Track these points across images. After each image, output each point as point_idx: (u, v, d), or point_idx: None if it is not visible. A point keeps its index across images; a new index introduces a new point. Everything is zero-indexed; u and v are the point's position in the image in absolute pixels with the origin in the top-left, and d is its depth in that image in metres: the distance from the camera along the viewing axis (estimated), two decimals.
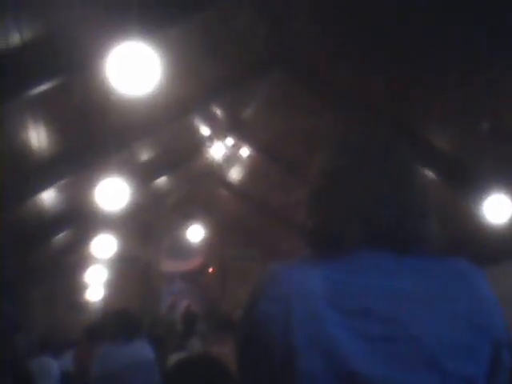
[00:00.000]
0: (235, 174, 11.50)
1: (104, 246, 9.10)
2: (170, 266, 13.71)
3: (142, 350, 3.76)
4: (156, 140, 7.60)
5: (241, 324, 1.21)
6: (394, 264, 1.10)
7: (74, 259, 11.47)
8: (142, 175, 8.22)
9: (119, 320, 3.87)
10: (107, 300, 11.91)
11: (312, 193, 1.25)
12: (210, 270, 14.09)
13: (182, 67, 5.50)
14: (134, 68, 4.02)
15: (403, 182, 1.16)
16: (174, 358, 4.91)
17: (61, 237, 8.75)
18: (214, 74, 6.41)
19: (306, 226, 1.22)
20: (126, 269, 12.81)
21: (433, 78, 5.49)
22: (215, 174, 11.58)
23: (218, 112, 8.62)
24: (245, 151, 9.73)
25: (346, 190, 1.16)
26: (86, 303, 11.59)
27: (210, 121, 8.76)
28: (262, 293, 1.13)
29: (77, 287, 11.63)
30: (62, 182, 6.51)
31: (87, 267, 11.34)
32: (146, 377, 3.61)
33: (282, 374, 1.06)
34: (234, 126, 9.25)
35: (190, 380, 1.31)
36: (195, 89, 6.42)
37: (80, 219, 8.25)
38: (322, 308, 1.06)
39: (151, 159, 8.45)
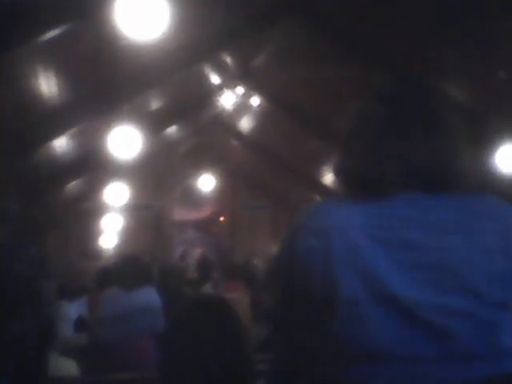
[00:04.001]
0: (245, 124, 11.46)
1: (117, 194, 9.21)
2: (181, 214, 13.86)
3: (150, 296, 3.81)
4: (166, 88, 7.55)
5: (279, 259, 1.26)
6: (430, 200, 1.15)
7: (86, 207, 11.62)
8: (153, 124, 8.21)
9: (128, 266, 3.93)
10: (120, 247, 12.11)
11: (348, 135, 1.28)
12: (221, 219, 14.23)
13: (193, 13, 5.41)
14: (143, 13, 3.98)
15: (437, 126, 1.20)
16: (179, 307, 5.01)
17: (73, 185, 8.84)
18: (226, 21, 6.30)
19: (341, 166, 1.27)
20: (138, 217, 12.97)
21: (447, 26, 5.37)
22: (225, 123, 11.53)
23: (229, 60, 8.52)
24: (255, 100, 9.65)
25: (383, 133, 1.19)
26: (100, 250, 11.79)
27: (221, 69, 8.66)
28: (302, 228, 1.18)
29: (90, 235, 11.81)
30: (74, 129, 6.53)
31: (100, 215, 11.48)
32: (150, 323, 3.67)
33: (324, 304, 1.11)
34: (244, 75, 9.15)
35: (198, 318, 1.33)
36: (206, 36, 6.33)
37: (92, 167, 8.31)
38: (361, 239, 1.11)
39: (162, 108, 8.42)
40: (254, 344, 3.51)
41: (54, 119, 6.05)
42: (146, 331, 3.59)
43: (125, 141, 6.14)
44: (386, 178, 1.16)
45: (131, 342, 3.48)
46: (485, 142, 6.11)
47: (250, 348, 1.32)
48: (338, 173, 1.27)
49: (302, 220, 1.20)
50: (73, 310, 6.18)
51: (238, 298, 4.82)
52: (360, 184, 1.19)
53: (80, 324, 6.19)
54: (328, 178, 11.01)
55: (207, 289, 6.63)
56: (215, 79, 9.00)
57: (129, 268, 3.87)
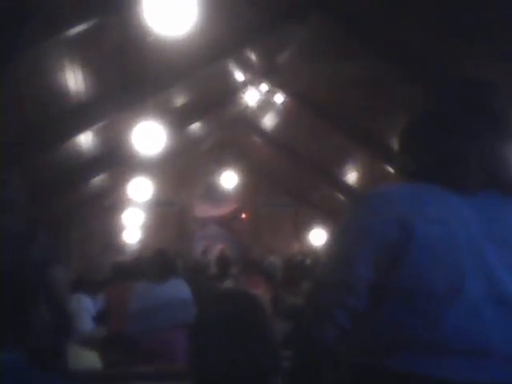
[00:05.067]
0: (269, 121, 11.45)
1: (140, 190, 9.28)
2: (203, 211, 13.93)
3: (179, 288, 3.84)
4: (191, 84, 7.58)
5: (337, 248, 1.25)
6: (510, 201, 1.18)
7: (110, 202, 11.74)
8: (177, 120, 8.24)
9: (157, 259, 3.97)
10: (143, 242, 12.22)
11: (414, 132, 1.29)
12: (243, 215, 14.27)
13: (219, 9, 5.41)
14: (170, 9, 4.00)
15: (503, 130, 1.21)
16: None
17: (98, 179, 8.93)
18: (251, 18, 6.29)
19: (403, 162, 1.28)
20: (161, 212, 13.07)
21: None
22: (249, 120, 11.54)
23: (254, 57, 8.51)
24: (279, 97, 9.63)
25: (460, 133, 1.20)
26: (123, 245, 11.91)
27: (245, 66, 8.66)
28: (374, 213, 1.17)
29: (113, 229, 11.94)
30: (99, 124, 6.58)
31: (123, 210, 11.59)
32: (181, 314, 3.69)
33: (441, 294, 1.10)
34: (269, 72, 9.14)
35: (225, 310, 1.34)
36: (231, 32, 6.33)
37: (116, 162, 8.37)
38: (477, 233, 1.12)
39: (186, 104, 8.45)
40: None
41: (79, 114, 6.10)
42: (176, 322, 3.62)
43: (149, 136, 6.18)
44: (471, 176, 1.17)
45: (161, 334, 3.51)
46: None
47: (277, 341, 1.32)
48: (412, 171, 1.26)
49: (371, 206, 1.18)
50: (94, 303, 6.26)
51: (260, 294, 4.82)
52: (443, 182, 1.18)
53: (101, 317, 6.26)
54: (351, 176, 10.95)
55: (227, 284, 6.66)
56: (239, 76, 9.01)
57: (157, 261, 3.91)
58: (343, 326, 1.20)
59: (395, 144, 8.24)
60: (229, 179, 13.07)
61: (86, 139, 7.11)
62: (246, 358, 1.23)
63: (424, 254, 1.11)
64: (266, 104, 10.11)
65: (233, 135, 12.32)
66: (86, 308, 6.01)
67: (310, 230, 13.43)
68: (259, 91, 9.56)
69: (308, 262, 9.96)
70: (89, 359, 3.11)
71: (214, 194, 13.85)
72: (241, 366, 1.22)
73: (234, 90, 9.39)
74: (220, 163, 13.21)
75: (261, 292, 5.01)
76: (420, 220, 1.12)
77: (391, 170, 8.76)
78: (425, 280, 1.11)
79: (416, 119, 1.29)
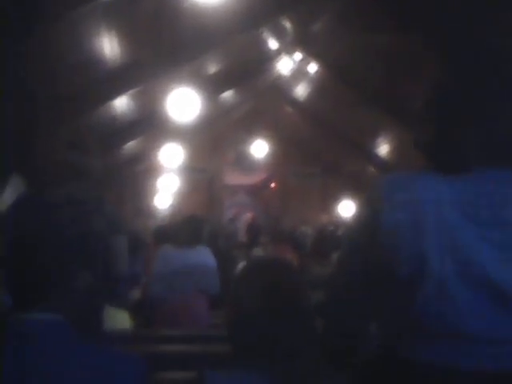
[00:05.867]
0: (301, 91, 11.36)
1: (172, 156, 9.38)
2: (233, 179, 13.97)
3: (205, 255, 3.88)
4: (225, 52, 7.56)
5: (357, 232, 1.26)
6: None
7: (142, 167, 11.88)
8: (211, 87, 8.25)
9: (186, 225, 4.00)
10: (174, 208, 12.37)
11: (429, 110, 1.28)
12: (273, 185, 14.28)
13: None
14: None
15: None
16: (240, 267, 5.09)
17: (131, 144, 9.04)
18: None
19: (423, 139, 1.26)
20: (192, 179, 13.17)
21: None
22: (281, 89, 11.46)
23: (288, 25, 8.43)
24: (313, 67, 9.53)
25: (464, 109, 1.18)
26: (154, 210, 12.06)
27: (280, 34, 8.58)
28: (386, 200, 1.15)
29: (145, 194, 12.10)
30: (133, 90, 6.64)
31: (156, 175, 11.72)
32: (203, 281, 3.73)
33: (411, 279, 1.10)
34: (303, 41, 9.03)
35: (261, 277, 1.32)
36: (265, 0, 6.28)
37: (150, 128, 8.45)
38: (452, 214, 1.09)
39: (219, 71, 8.44)
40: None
41: (114, 79, 6.16)
42: (197, 289, 3.68)
43: (183, 103, 6.22)
44: (471, 152, 1.15)
45: (184, 298, 3.59)
46: None
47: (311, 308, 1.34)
48: (418, 146, 1.26)
49: (384, 192, 1.17)
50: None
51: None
52: (444, 158, 1.18)
53: (134, 279, 6.42)
54: (383, 149, 10.84)
55: (256, 252, 6.73)
56: (273, 44, 8.93)
57: (186, 227, 3.94)
58: (359, 318, 1.26)
59: None
60: (259, 148, 13.07)
61: (120, 104, 7.19)
62: (283, 328, 1.24)
63: (388, 239, 1.12)
64: (298, 73, 10.02)
65: (265, 104, 12.26)
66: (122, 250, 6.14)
67: (338, 202, 13.40)
68: (293, 60, 9.47)
69: (339, 232, 9.96)
70: (121, 320, 3.19)
71: (244, 162, 13.87)
72: (278, 336, 1.23)
73: (268, 58, 9.32)
74: (251, 132, 13.20)
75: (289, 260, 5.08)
76: (387, 207, 1.13)
77: None
78: (391, 265, 1.11)
79: (430, 94, 1.29)
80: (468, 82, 1.20)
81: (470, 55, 1.26)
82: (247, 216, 13.05)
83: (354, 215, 1.33)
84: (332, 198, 13.57)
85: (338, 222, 12.07)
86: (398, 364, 1.13)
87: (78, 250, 1.14)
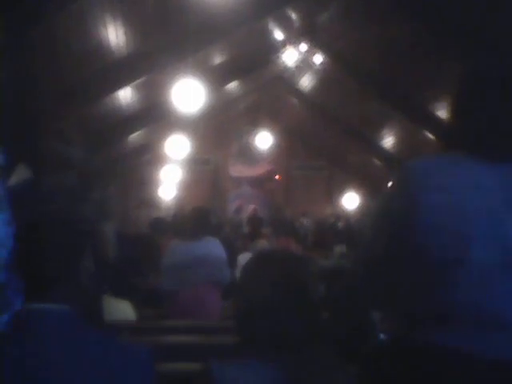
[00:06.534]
0: (306, 82, 11.31)
1: (177, 147, 9.36)
2: (237, 170, 13.98)
3: (214, 246, 3.87)
4: (230, 43, 7.53)
5: (384, 215, 1.22)
6: None
7: (148, 157, 11.88)
8: (216, 78, 8.22)
9: (193, 217, 3.99)
10: (178, 199, 12.38)
11: (466, 99, 1.26)
12: (277, 177, 14.27)
13: None
14: None
15: None
16: (242, 258, 5.09)
17: (136, 135, 9.04)
18: None
19: (452, 129, 1.25)
20: (196, 170, 13.18)
21: None
22: (286, 80, 11.42)
23: (294, 16, 8.38)
24: (318, 58, 9.47)
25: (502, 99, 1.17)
26: (158, 200, 12.07)
27: (285, 24, 8.54)
28: (422, 182, 1.14)
29: (150, 185, 12.10)
30: (139, 80, 6.63)
31: (160, 166, 11.72)
32: (213, 272, 3.73)
33: (448, 264, 1.08)
34: (308, 32, 8.99)
35: (270, 270, 1.32)
36: None
37: (155, 118, 8.45)
38: (495, 200, 1.09)
39: (225, 62, 8.42)
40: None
41: (119, 69, 6.15)
42: (209, 279, 3.68)
43: (188, 94, 6.20)
44: (505, 141, 1.14)
45: (194, 290, 3.59)
46: None
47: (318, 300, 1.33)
48: (455, 135, 1.25)
49: (421, 175, 1.15)
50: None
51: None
52: (478, 146, 1.16)
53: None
54: (388, 141, 10.81)
55: (260, 244, 6.73)
56: (279, 35, 8.89)
57: (193, 219, 3.93)
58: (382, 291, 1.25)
59: (433, 109, 8.10)
60: (264, 140, 13.04)
61: (126, 95, 7.19)
62: (291, 320, 1.24)
63: (425, 223, 1.10)
64: (304, 64, 9.96)
65: (270, 95, 12.23)
66: None
67: (343, 194, 13.39)
68: (298, 51, 9.42)
69: (340, 225, 9.98)
70: (123, 310, 3.17)
71: (248, 154, 13.87)
72: (286, 328, 1.23)
73: (273, 49, 9.27)
74: (255, 124, 13.18)
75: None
76: (423, 190, 1.12)
77: (428, 135, 8.63)
78: (428, 250, 1.09)
79: (465, 86, 1.27)
80: (502, 69, 1.20)
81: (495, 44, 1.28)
82: (250, 208, 13.06)
83: (380, 198, 1.30)
84: (336, 190, 13.56)
85: (340, 215, 12.08)
86: (423, 352, 1.10)
87: (72, 239, 1.14)
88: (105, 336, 1.12)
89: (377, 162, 11.60)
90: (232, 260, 4.89)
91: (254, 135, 13.24)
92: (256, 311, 1.27)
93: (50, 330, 1.06)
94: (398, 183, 1.21)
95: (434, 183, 1.12)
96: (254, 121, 13.20)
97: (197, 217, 3.93)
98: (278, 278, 1.29)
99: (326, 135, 12.25)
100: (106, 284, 2.97)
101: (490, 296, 1.05)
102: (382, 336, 1.60)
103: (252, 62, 9.10)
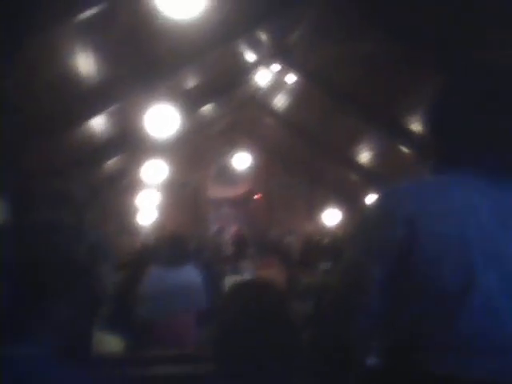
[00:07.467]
0: (281, 101, 11.40)
1: (154, 172, 9.34)
2: (217, 192, 13.96)
3: (191, 274, 3.87)
4: (202, 67, 7.56)
5: (381, 247, 1.17)
6: None
7: (125, 184, 11.80)
8: (190, 102, 8.24)
9: (171, 245, 3.97)
10: (157, 223, 12.30)
11: (442, 116, 1.24)
12: (256, 196, 14.28)
13: None
14: None
15: None
16: (229, 280, 5.06)
17: (112, 162, 8.98)
18: None
19: (431, 145, 1.23)
20: (175, 194, 13.12)
21: None
22: (260, 100, 11.49)
23: (264, 37, 8.46)
24: (291, 78, 9.56)
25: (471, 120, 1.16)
26: (138, 226, 11.99)
27: (256, 46, 8.61)
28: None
29: (128, 211, 12.02)
30: (112, 108, 6.61)
31: (138, 192, 11.65)
32: (191, 300, 3.72)
33: (455, 291, 1.05)
34: (280, 52, 9.07)
35: (245, 303, 1.35)
36: (241, 13, 6.29)
37: (130, 145, 8.41)
38: (491, 222, 1.07)
39: (198, 86, 8.44)
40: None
41: (91, 98, 6.12)
42: (186, 308, 3.66)
43: (162, 119, 6.20)
44: (488, 160, 1.13)
45: (173, 319, 3.56)
46: None
47: (297, 324, 1.33)
48: (424, 148, 1.26)
49: (412, 203, 1.12)
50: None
51: (274, 274, 4.86)
52: (460, 167, 1.15)
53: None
54: (364, 156, 10.90)
55: (242, 265, 6.69)
56: (251, 57, 8.96)
57: (171, 247, 3.92)
58: (363, 326, 1.21)
59: (407, 123, 8.20)
60: (241, 160, 13.07)
61: (99, 122, 7.14)
62: (268, 346, 1.25)
63: (430, 251, 1.07)
64: (277, 84, 10.05)
65: (245, 116, 12.28)
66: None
67: (323, 211, 13.43)
68: (270, 71, 9.50)
69: (325, 242, 9.97)
70: (113, 344, 3.16)
71: (227, 175, 13.87)
72: (263, 354, 1.24)
73: (246, 70, 9.34)
74: (232, 145, 13.21)
75: (275, 272, 5.06)
76: (424, 218, 1.09)
77: (404, 149, 8.71)
78: (433, 278, 1.07)
79: (441, 101, 1.26)
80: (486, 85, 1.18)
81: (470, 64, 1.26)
82: (232, 229, 13.03)
83: (365, 221, 1.25)
84: (317, 207, 13.59)
85: (325, 232, 12.10)
86: (422, 378, 1.08)
87: (57, 278, 1.12)
88: (83, 373, 1.09)
89: (354, 177, 11.68)
90: (213, 284, 4.85)
91: (232, 156, 13.27)
92: (233, 341, 1.29)
93: (25, 376, 1.03)
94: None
95: (431, 210, 1.10)
96: (230, 142, 13.23)
97: (173, 244, 3.92)
98: (250, 309, 1.31)
99: (303, 153, 12.31)
100: (101, 321, 2.95)
101: (496, 322, 1.04)
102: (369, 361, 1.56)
103: (225, 84, 9.14)
